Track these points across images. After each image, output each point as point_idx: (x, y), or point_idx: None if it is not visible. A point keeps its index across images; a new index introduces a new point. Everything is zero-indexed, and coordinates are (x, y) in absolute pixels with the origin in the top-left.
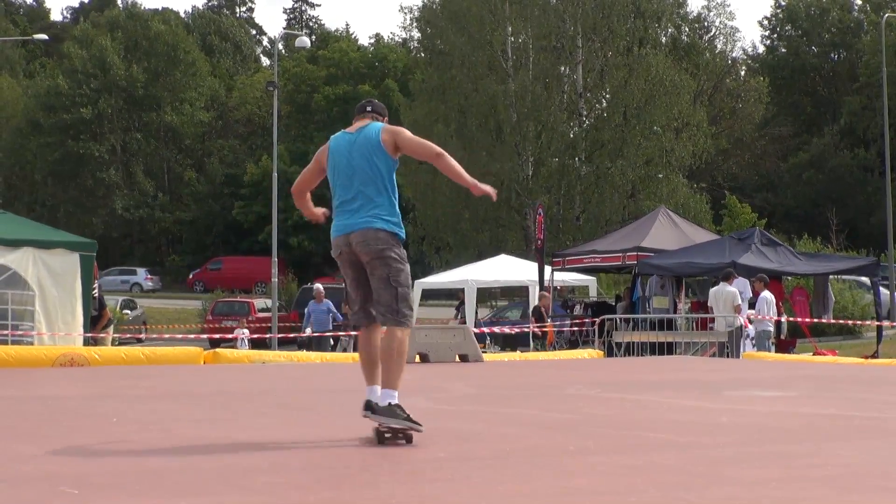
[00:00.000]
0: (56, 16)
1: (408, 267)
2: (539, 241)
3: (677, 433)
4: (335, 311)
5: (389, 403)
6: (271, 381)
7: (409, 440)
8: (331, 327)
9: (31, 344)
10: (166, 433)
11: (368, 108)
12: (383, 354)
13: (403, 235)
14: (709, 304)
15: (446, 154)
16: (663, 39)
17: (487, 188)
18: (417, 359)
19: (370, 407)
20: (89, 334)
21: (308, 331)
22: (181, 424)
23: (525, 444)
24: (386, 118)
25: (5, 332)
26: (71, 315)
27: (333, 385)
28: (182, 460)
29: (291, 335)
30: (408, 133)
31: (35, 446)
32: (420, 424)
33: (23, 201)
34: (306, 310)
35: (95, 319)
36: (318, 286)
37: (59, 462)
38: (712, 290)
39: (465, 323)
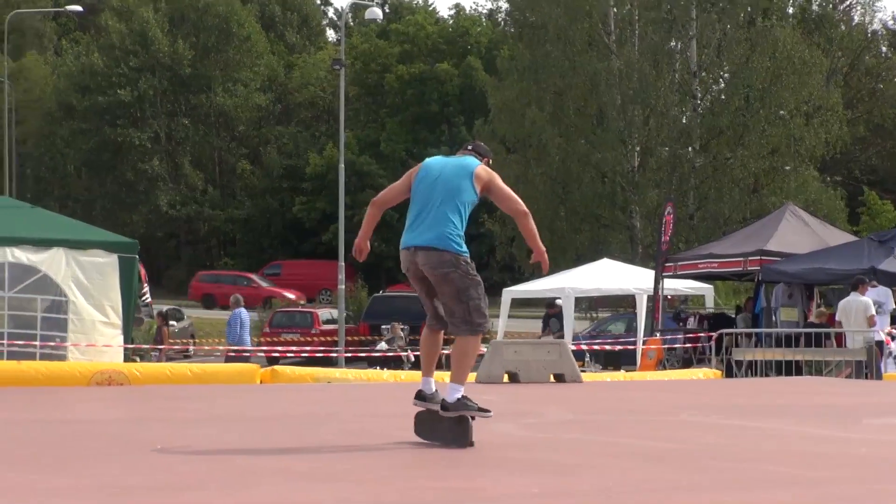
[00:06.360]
0: None
1: (475, 278)
2: (665, 244)
3: (809, 467)
4: None
5: (457, 399)
6: (338, 403)
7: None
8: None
9: (64, 358)
10: (219, 463)
11: (469, 147)
12: (456, 356)
13: (467, 252)
14: (836, 318)
15: (530, 216)
16: (790, 10)
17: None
18: (506, 378)
19: (421, 396)
20: (131, 346)
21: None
22: (236, 454)
23: (630, 478)
24: (488, 159)
25: (34, 343)
26: (109, 325)
27: (406, 409)
28: (236, 496)
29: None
30: (502, 183)
31: (66, 479)
32: (489, 410)
33: (53, 196)
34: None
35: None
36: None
37: (92, 498)
38: (841, 303)
39: (561, 337)
